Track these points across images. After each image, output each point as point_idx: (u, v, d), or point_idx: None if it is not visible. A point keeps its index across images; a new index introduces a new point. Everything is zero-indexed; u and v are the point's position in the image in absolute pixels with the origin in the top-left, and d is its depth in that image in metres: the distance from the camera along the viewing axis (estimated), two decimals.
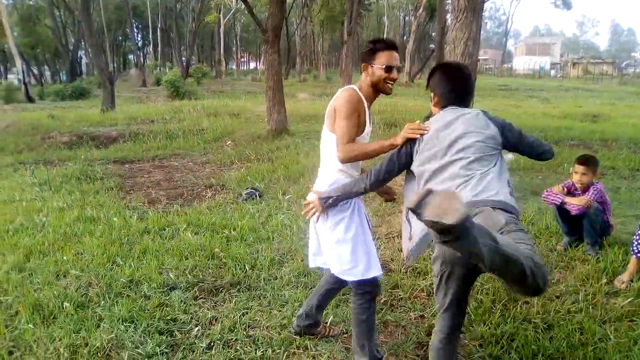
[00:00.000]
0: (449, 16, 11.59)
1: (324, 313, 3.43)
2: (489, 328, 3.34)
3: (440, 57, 10.75)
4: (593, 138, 11.43)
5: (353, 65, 32.13)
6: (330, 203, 2.78)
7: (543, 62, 75.70)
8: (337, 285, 3.20)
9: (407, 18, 62.45)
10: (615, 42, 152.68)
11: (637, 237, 3.91)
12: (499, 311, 3.52)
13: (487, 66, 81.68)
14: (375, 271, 2.82)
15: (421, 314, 3.65)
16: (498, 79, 54.10)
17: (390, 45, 2.82)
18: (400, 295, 3.90)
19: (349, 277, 2.84)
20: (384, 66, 2.77)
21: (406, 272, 4.24)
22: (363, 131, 2.85)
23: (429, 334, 3.36)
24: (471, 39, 6.42)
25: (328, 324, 3.46)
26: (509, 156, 8.77)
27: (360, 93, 2.83)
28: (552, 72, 69.59)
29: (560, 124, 13.56)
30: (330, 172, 2.90)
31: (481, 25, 6.69)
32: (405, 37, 56.18)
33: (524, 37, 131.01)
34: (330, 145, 2.85)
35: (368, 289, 2.87)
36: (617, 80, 49.08)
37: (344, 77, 37.72)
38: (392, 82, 2.84)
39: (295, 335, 3.33)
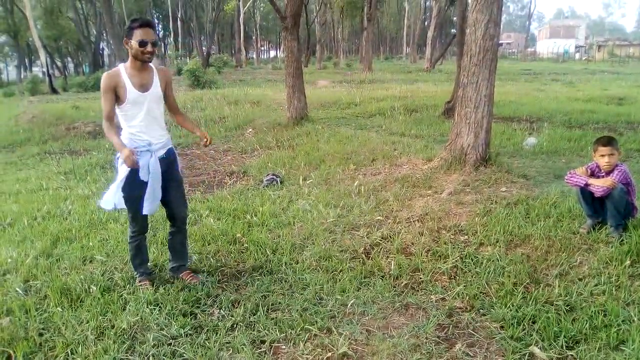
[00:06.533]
0: None
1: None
2: (510, 310, 3.33)
3: (461, 41, 10.59)
4: (618, 121, 11.23)
5: (373, 52, 31.90)
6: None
7: (567, 45, 74.30)
8: (171, 228, 3.98)
9: (428, 3, 61.68)
10: None
11: None
12: (520, 293, 3.51)
13: (510, 50, 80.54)
14: (101, 204, 3.67)
15: (442, 296, 3.65)
16: (521, 63, 53.25)
17: (144, 24, 3.40)
18: (421, 278, 3.91)
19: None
20: (139, 41, 3.35)
21: (427, 256, 4.24)
22: (125, 100, 3.44)
23: (450, 316, 3.38)
24: (492, 21, 6.33)
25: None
26: (532, 140, 8.67)
27: (121, 69, 3.47)
28: (577, 55, 68.22)
29: (585, 108, 13.31)
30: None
31: (502, 6, 6.60)
32: (426, 22, 55.55)
33: (548, 19, 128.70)
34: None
35: (130, 222, 3.74)
36: None
37: (364, 64, 37.59)
38: (149, 54, 3.41)
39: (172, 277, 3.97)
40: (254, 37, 72.16)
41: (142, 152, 3.53)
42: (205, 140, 4.02)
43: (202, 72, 26.47)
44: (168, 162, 3.74)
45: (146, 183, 3.54)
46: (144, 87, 3.51)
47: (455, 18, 39.62)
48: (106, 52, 58.34)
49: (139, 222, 3.73)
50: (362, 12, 41.51)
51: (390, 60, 63.53)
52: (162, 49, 68.06)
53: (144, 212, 3.61)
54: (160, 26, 70.57)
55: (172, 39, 64.54)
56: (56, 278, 4.00)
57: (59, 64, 53.64)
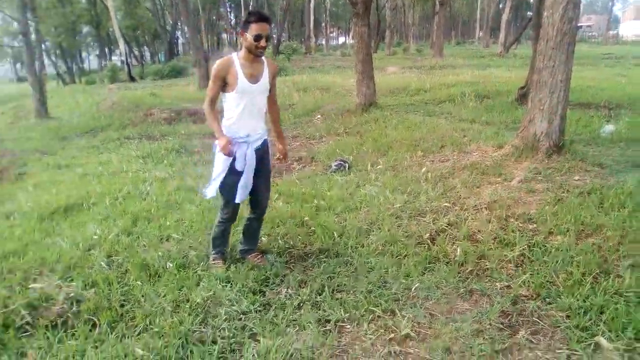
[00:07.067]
0: None
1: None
2: (577, 300, 3.28)
3: (538, 24, 10.23)
4: None
5: (445, 36, 31.07)
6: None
7: None
8: (251, 215, 4.11)
9: None
10: None
11: None
12: (588, 284, 3.44)
13: (591, 33, 76.51)
14: (207, 194, 3.76)
15: (507, 284, 3.63)
16: (602, 46, 50.52)
17: (260, 19, 3.51)
18: (486, 265, 3.90)
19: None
20: (254, 36, 3.47)
21: (494, 243, 4.21)
22: (234, 89, 3.57)
23: (514, 303, 3.37)
24: (571, 2, 6.10)
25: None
26: (610, 127, 8.32)
27: (234, 57, 3.60)
28: None
29: None
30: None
31: None
32: (500, 5, 53.69)
33: (634, 0, 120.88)
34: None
35: (222, 208, 3.91)
36: None
37: (434, 49, 36.87)
38: (262, 48, 3.54)
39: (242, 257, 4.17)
40: (323, 24, 72.27)
41: (239, 143, 3.68)
42: (281, 156, 4.12)
43: (273, 59, 26.86)
44: (262, 153, 3.86)
45: (241, 172, 3.70)
46: (254, 78, 3.63)
47: (531, 0, 38.01)
48: (181, 41, 60.25)
49: (231, 210, 3.91)
50: None
51: (462, 45, 61.95)
52: (235, 38, 69.43)
53: (237, 200, 3.77)
54: (232, 15, 72.00)
55: None
56: (136, 254, 4.29)
57: (136, 53, 55.82)
